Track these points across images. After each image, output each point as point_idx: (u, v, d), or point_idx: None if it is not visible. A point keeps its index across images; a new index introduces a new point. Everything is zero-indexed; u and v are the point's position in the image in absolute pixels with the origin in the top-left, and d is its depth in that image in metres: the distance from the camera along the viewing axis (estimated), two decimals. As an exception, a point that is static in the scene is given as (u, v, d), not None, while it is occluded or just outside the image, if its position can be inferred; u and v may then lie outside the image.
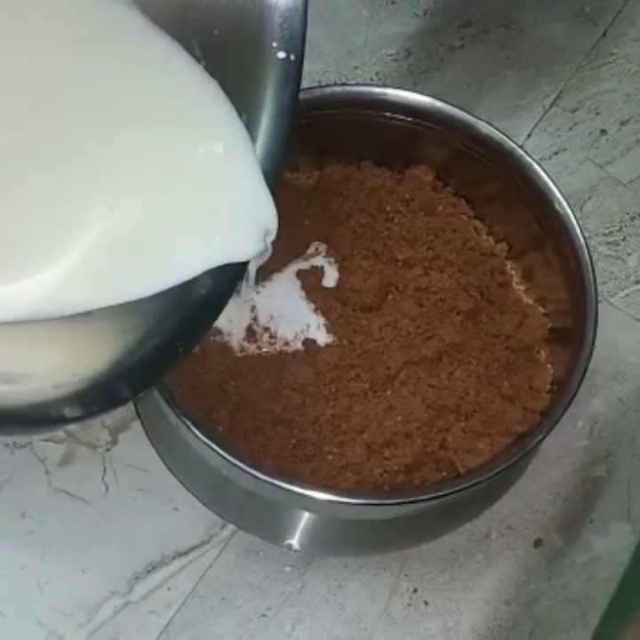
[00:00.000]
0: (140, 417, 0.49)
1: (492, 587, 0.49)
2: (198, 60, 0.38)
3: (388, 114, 0.47)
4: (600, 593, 0.48)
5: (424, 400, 0.44)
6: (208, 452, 0.41)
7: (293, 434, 0.44)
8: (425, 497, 0.41)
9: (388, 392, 0.44)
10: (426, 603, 0.48)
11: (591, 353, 0.43)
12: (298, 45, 0.39)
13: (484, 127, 0.47)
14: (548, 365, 0.47)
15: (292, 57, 0.38)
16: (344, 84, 0.56)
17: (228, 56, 0.38)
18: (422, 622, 0.48)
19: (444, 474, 0.44)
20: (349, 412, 0.44)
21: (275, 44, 0.38)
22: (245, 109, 0.38)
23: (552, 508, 0.50)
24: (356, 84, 0.55)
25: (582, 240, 0.44)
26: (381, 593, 0.48)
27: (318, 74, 0.59)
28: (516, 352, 0.46)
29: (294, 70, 0.38)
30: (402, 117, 0.47)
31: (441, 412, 0.44)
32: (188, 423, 0.41)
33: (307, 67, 0.58)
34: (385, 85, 0.48)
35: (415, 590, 0.48)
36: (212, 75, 0.38)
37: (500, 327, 0.46)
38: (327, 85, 0.55)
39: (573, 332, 0.44)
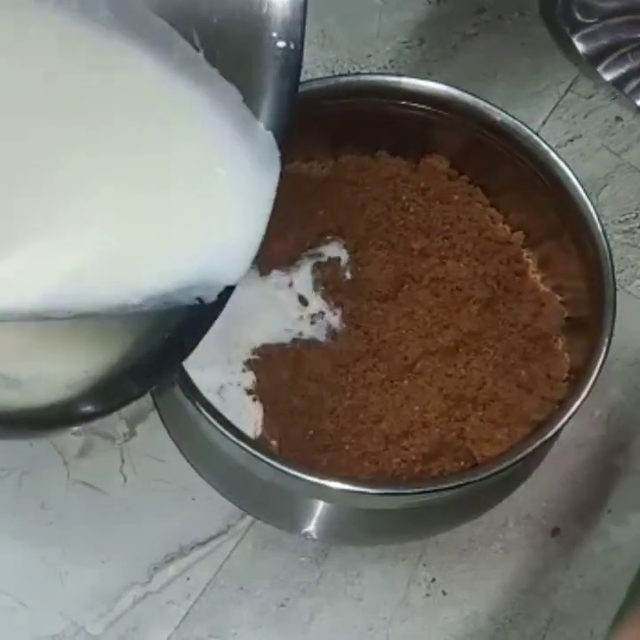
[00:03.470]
0: (157, 408, 0.49)
1: (510, 576, 0.49)
2: (197, 49, 0.38)
3: (402, 102, 0.47)
4: (618, 582, 0.48)
5: (441, 390, 0.44)
6: (225, 442, 0.41)
7: (311, 424, 0.44)
8: (442, 487, 0.41)
9: (406, 382, 0.44)
10: (444, 592, 0.48)
11: (610, 342, 0.43)
12: (298, 34, 0.39)
13: (499, 115, 0.47)
14: (566, 354, 0.47)
15: (292, 45, 0.38)
16: (358, 73, 0.56)
17: (228, 45, 0.38)
18: (440, 611, 0.48)
19: (462, 463, 0.44)
20: (367, 402, 0.44)
21: (275, 34, 0.38)
22: (245, 97, 0.39)
23: (570, 496, 0.50)
24: (370, 73, 0.55)
25: (600, 228, 0.44)
26: (400, 582, 0.48)
27: (331, 62, 0.59)
28: (533, 341, 0.46)
29: (294, 58, 0.39)
30: (416, 106, 0.47)
31: (458, 401, 0.44)
32: (206, 413, 0.41)
33: (320, 55, 0.59)
34: (399, 74, 0.47)
35: (433, 580, 0.48)
36: (212, 63, 0.38)
37: (517, 316, 0.46)
38: (341, 75, 0.55)
39: (591, 320, 0.44)
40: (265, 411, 0.44)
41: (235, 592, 0.48)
